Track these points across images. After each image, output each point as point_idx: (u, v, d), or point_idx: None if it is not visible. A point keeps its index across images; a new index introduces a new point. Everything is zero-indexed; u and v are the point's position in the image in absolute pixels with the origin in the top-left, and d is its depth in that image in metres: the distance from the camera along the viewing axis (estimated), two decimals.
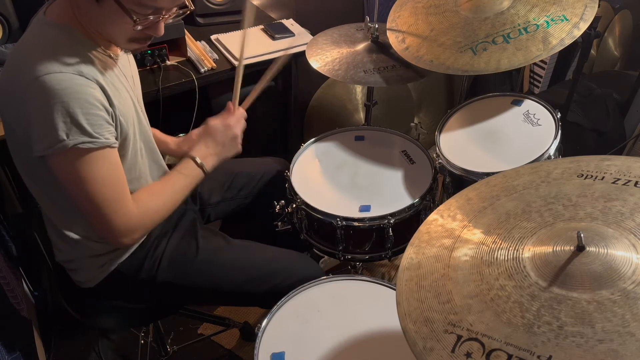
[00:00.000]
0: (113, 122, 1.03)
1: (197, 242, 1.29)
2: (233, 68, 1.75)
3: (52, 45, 0.98)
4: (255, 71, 1.81)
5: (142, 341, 1.70)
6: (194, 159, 1.22)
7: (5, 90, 1.02)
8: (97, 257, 1.20)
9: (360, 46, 1.63)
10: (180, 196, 1.19)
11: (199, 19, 1.95)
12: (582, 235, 0.73)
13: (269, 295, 1.22)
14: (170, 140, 1.43)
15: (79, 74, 0.96)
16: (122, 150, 1.09)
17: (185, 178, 1.20)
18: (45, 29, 1.01)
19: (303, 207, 1.37)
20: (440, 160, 1.40)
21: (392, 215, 1.31)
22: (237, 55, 1.77)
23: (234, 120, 1.29)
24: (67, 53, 0.97)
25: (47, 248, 1.70)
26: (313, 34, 1.83)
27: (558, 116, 1.38)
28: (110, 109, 1.02)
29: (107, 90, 1.01)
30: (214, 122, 1.28)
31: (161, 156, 1.31)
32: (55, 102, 0.93)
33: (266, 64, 1.78)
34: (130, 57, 1.23)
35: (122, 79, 1.12)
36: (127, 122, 1.08)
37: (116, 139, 1.05)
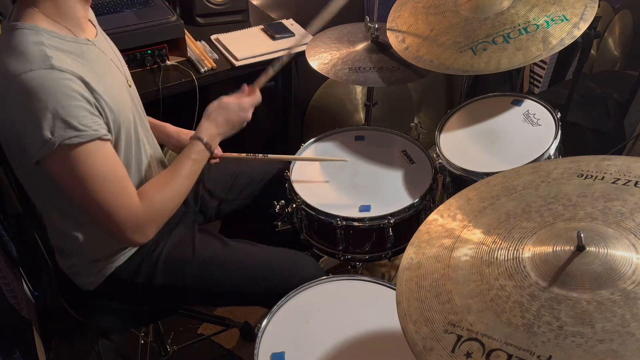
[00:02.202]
0: (99, 112, 1.00)
1: (194, 245, 1.28)
2: (233, 68, 1.75)
3: (19, 47, 0.95)
4: (254, 71, 1.81)
5: (142, 341, 1.70)
6: (201, 140, 1.18)
7: None
8: (96, 262, 1.19)
9: (360, 46, 1.63)
10: (189, 183, 1.16)
11: (199, 19, 1.95)
12: (582, 235, 0.73)
13: (269, 296, 1.21)
14: (169, 125, 1.41)
15: (51, 68, 0.94)
16: (118, 135, 1.06)
17: (194, 163, 1.17)
18: (10, 34, 0.98)
19: (303, 207, 1.37)
20: (440, 160, 1.40)
21: (392, 215, 1.31)
22: (238, 54, 1.77)
23: (248, 103, 1.25)
24: (36, 50, 0.95)
25: (47, 248, 1.70)
26: (313, 34, 1.83)
27: (558, 116, 1.38)
28: (92, 100, 0.98)
29: (87, 79, 0.98)
30: (229, 100, 1.24)
31: (158, 145, 1.30)
32: (33, 101, 0.91)
33: (266, 64, 1.80)
34: (109, 40, 1.21)
35: (106, 62, 1.10)
36: (117, 107, 1.04)
37: (109, 131, 1.02)
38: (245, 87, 1.28)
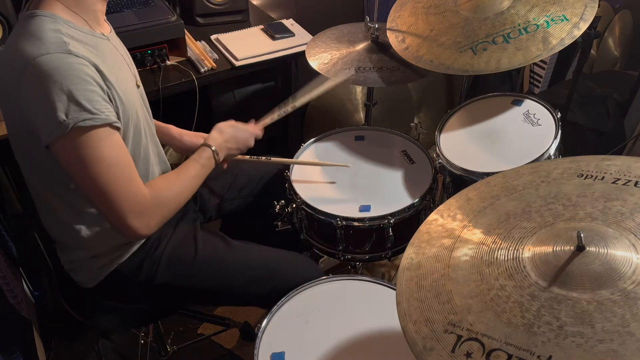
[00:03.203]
0: (110, 101, 1.01)
1: (197, 244, 1.29)
2: (233, 68, 1.75)
3: (37, 33, 0.97)
4: (255, 71, 1.82)
5: (142, 341, 1.70)
6: (210, 147, 1.24)
7: (3, 87, 1.02)
8: (98, 258, 1.19)
9: (360, 46, 1.63)
10: (195, 184, 1.20)
11: (199, 19, 1.95)
12: (582, 235, 0.73)
13: (269, 297, 1.21)
14: (172, 127, 1.42)
15: (68, 52, 0.95)
16: (127, 127, 1.08)
17: (201, 167, 1.21)
18: (28, 21, 0.99)
19: (303, 207, 1.37)
20: (440, 160, 1.40)
21: (392, 215, 1.31)
22: (238, 54, 1.77)
23: (254, 131, 1.37)
24: (53, 37, 0.97)
25: (47, 248, 1.70)
26: (313, 34, 1.83)
27: (558, 116, 1.38)
28: (104, 87, 1.00)
29: (100, 68, 0.99)
30: (238, 122, 1.35)
31: (160, 145, 1.31)
32: (48, 83, 0.92)
33: (266, 64, 1.80)
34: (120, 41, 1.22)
35: (118, 57, 1.12)
36: (127, 99, 1.06)
37: (118, 118, 1.03)
38: (253, 121, 1.40)
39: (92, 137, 0.97)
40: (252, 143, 1.36)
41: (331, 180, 1.45)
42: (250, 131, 1.36)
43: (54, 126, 0.94)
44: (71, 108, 0.94)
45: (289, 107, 1.43)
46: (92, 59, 0.99)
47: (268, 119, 1.43)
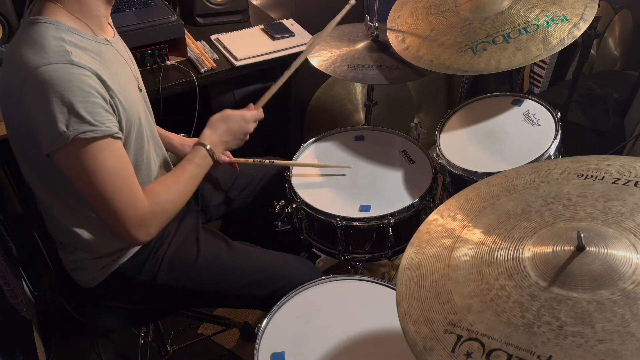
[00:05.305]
0: (113, 111, 1.01)
1: (198, 246, 1.29)
2: (233, 68, 1.75)
3: (39, 40, 0.96)
4: (255, 71, 1.82)
5: (142, 341, 1.70)
6: (204, 146, 1.22)
7: (4, 92, 1.02)
8: (100, 259, 1.19)
9: (360, 45, 1.63)
10: (192, 186, 1.19)
11: (199, 19, 1.95)
12: (582, 235, 0.73)
13: (269, 300, 1.21)
14: (174, 137, 1.43)
15: (70, 63, 0.95)
16: (129, 133, 1.08)
17: (197, 167, 1.20)
18: (31, 27, 0.99)
19: (303, 207, 1.37)
20: (440, 160, 1.40)
21: (392, 215, 1.31)
22: (238, 54, 1.77)
23: (250, 116, 1.31)
24: (56, 45, 0.96)
25: (47, 248, 1.70)
26: (313, 34, 1.83)
27: (558, 116, 1.38)
28: (107, 97, 1.00)
29: (103, 77, 0.99)
30: (231, 111, 1.30)
31: (163, 146, 1.31)
32: (50, 94, 0.92)
33: (266, 64, 1.80)
34: (124, 43, 1.22)
35: (121, 62, 1.11)
36: (130, 106, 1.06)
37: (120, 129, 1.03)
38: (252, 105, 1.35)
39: (93, 148, 0.97)
40: (251, 129, 1.31)
41: (331, 180, 1.45)
42: (247, 117, 1.30)
43: (55, 137, 0.95)
44: (72, 120, 0.94)
45: (284, 77, 1.38)
46: (95, 67, 0.99)
47: (266, 96, 1.38)
